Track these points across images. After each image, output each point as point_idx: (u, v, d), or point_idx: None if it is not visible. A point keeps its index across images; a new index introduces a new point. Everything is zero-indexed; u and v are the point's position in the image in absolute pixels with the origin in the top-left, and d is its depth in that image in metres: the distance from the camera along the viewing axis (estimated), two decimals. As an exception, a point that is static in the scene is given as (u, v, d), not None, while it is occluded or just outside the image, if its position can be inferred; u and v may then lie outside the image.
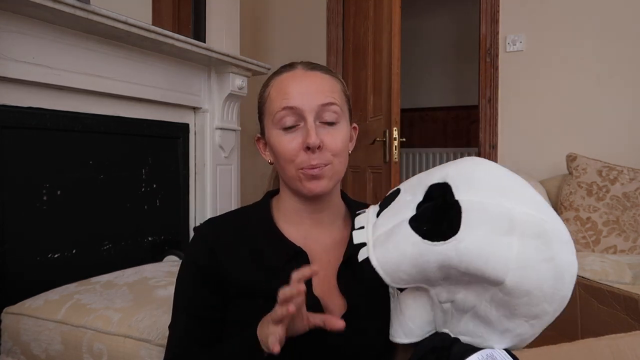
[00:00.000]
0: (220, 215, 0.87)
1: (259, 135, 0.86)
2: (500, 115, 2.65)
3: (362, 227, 0.69)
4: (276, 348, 0.61)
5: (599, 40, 2.48)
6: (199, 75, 2.11)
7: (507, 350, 0.63)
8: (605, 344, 0.63)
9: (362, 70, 2.58)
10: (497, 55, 2.64)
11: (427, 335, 0.68)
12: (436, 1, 4.29)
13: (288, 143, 0.76)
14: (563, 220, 0.63)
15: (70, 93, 1.57)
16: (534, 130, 2.60)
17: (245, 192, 2.59)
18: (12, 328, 1.24)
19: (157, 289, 1.30)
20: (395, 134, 2.09)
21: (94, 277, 1.43)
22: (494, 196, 0.60)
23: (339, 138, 0.77)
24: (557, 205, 2.25)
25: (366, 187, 2.46)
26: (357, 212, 0.75)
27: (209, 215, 2.10)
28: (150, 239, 1.91)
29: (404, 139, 2.18)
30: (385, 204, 0.70)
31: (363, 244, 0.67)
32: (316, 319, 0.67)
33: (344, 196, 0.88)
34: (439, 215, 0.60)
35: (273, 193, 0.88)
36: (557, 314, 0.62)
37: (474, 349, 0.63)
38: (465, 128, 4.28)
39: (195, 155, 2.14)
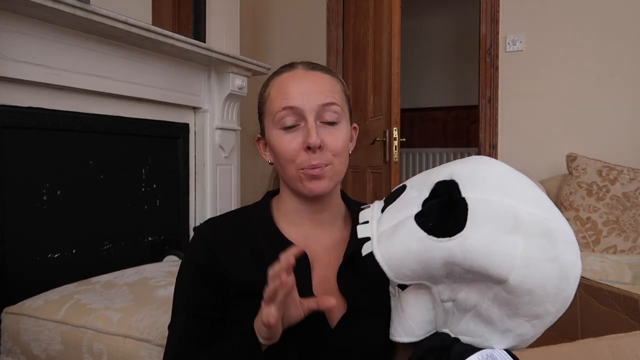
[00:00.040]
0: (220, 215, 0.87)
1: (259, 136, 0.86)
2: (500, 115, 2.65)
3: (367, 222, 0.69)
4: (272, 319, 0.60)
5: (599, 40, 2.48)
6: (199, 75, 2.11)
7: (508, 351, 0.63)
8: (605, 344, 0.63)
9: (362, 70, 2.58)
10: (497, 55, 2.64)
11: (427, 334, 0.68)
12: (436, 1, 4.29)
13: (288, 143, 0.76)
14: (565, 220, 0.63)
15: (70, 93, 1.57)
16: (534, 130, 2.60)
17: (245, 192, 2.59)
18: (12, 328, 1.24)
19: (157, 289, 1.30)
20: (395, 134, 2.09)
21: (94, 277, 1.43)
22: (500, 195, 0.60)
23: (339, 138, 0.77)
24: (557, 205, 2.24)
25: (366, 187, 2.46)
26: (362, 206, 0.75)
27: (209, 215, 2.10)
28: (150, 239, 1.91)
29: (404, 139, 2.18)
30: (390, 199, 0.70)
31: (367, 239, 0.67)
32: (310, 303, 0.67)
33: (344, 196, 0.88)
34: (445, 212, 0.61)
35: (273, 193, 0.88)
36: (560, 315, 0.62)
37: (474, 349, 0.63)
38: (465, 128, 4.28)
39: (195, 155, 2.14)
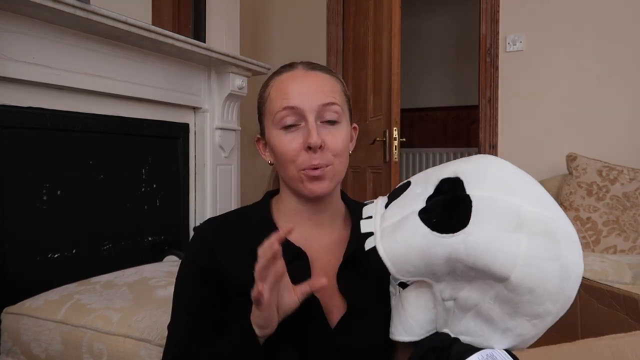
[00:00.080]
0: (220, 215, 0.87)
1: (258, 136, 0.86)
2: (500, 115, 2.65)
3: (370, 217, 0.69)
4: (262, 290, 0.60)
5: (599, 40, 2.48)
6: (199, 75, 2.11)
7: (508, 351, 0.63)
8: (605, 344, 0.63)
9: (362, 70, 2.58)
10: (497, 55, 2.64)
11: (427, 334, 0.68)
12: (436, 1, 4.29)
13: (289, 143, 0.76)
14: (567, 220, 0.63)
15: (70, 93, 1.57)
16: (534, 130, 2.60)
17: (245, 192, 2.59)
18: (12, 328, 1.24)
19: (157, 289, 1.30)
20: (395, 134, 2.09)
21: (94, 277, 1.43)
22: (505, 193, 0.60)
23: (340, 138, 0.77)
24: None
25: (366, 187, 2.46)
26: (365, 202, 0.75)
27: (209, 215, 2.10)
28: (150, 239, 1.91)
29: (404, 139, 2.18)
30: (394, 195, 0.70)
31: (370, 234, 0.67)
32: (302, 287, 0.67)
33: (343, 196, 0.88)
34: (449, 209, 0.61)
35: (273, 193, 0.88)
36: (561, 315, 0.62)
37: (474, 349, 0.63)
38: (465, 128, 4.28)
39: (195, 155, 2.14)
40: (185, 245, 1.99)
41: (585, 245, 2.08)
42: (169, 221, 2.00)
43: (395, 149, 2.09)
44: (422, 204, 0.63)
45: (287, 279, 0.67)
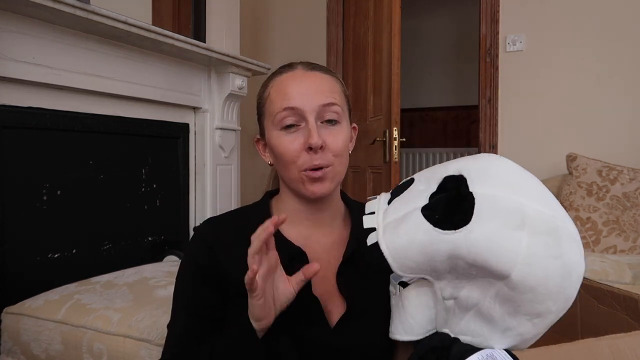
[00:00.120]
0: (219, 215, 0.87)
1: (258, 137, 0.85)
2: (500, 115, 2.65)
3: (373, 213, 0.69)
4: (254, 268, 0.61)
5: (599, 40, 2.48)
6: (199, 75, 2.11)
7: (508, 350, 0.63)
8: (605, 344, 0.63)
9: (362, 70, 2.58)
10: (497, 55, 2.64)
11: (427, 334, 0.68)
12: (436, 1, 4.29)
13: (289, 144, 0.76)
14: (569, 220, 0.63)
15: (70, 93, 1.57)
16: (534, 130, 2.60)
17: (245, 192, 2.59)
18: (12, 328, 1.24)
19: (157, 289, 1.31)
20: (395, 134, 2.09)
21: (94, 277, 1.43)
22: (508, 191, 0.60)
23: (340, 138, 0.77)
24: (557, 205, 2.25)
25: (366, 187, 2.46)
26: (369, 197, 0.75)
27: (209, 215, 2.10)
28: (150, 239, 1.91)
29: (404, 139, 2.18)
30: (397, 192, 0.70)
31: (373, 229, 0.67)
32: (297, 276, 0.68)
33: (343, 196, 0.88)
34: (452, 206, 0.61)
35: (272, 193, 0.88)
36: (561, 314, 0.62)
37: (474, 349, 0.62)
38: (465, 128, 4.28)
39: (195, 155, 2.14)
40: (185, 245, 1.99)
41: (585, 245, 2.08)
42: (169, 221, 2.00)
43: (395, 149, 2.10)
44: (425, 201, 0.64)
45: (281, 270, 0.68)
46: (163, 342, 0.80)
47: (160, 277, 1.42)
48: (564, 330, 0.75)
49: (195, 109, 2.14)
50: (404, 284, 0.71)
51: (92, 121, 1.66)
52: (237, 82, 2.16)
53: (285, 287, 0.68)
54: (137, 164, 1.86)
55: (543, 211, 0.60)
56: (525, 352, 0.64)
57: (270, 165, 0.85)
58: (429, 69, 4.40)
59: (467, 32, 4.00)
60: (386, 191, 0.74)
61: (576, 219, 2.15)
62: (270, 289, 0.67)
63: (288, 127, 0.76)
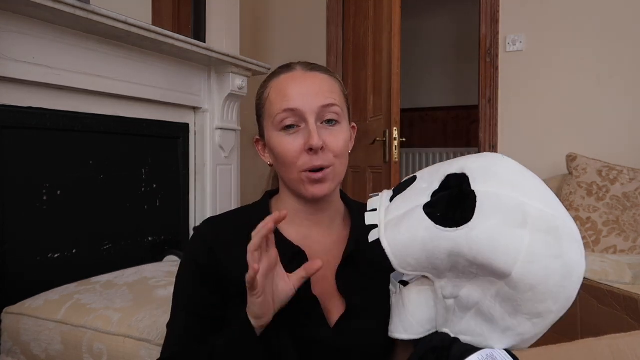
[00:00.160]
0: (219, 215, 0.87)
1: (257, 137, 0.85)
2: (500, 115, 2.65)
3: (375, 210, 0.69)
4: (255, 266, 0.62)
5: (599, 40, 2.48)
6: (199, 75, 2.11)
7: (507, 350, 0.63)
8: (605, 344, 0.63)
9: (362, 70, 2.58)
10: (497, 55, 2.64)
11: (426, 333, 0.68)
12: (436, 1, 4.29)
13: (289, 145, 0.76)
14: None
15: (70, 93, 1.57)
16: (534, 130, 2.60)
17: (245, 192, 2.59)
18: (12, 328, 1.24)
19: (157, 289, 1.31)
20: (395, 134, 2.09)
21: (94, 277, 1.43)
22: (510, 190, 0.60)
23: (340, 138, 0.77)
24: (557, 205, 2.24)
25: (366, 187, 2.46)
26: (371, 194, 0.75)
27: (209, 215, 2.10)
28: (150, 239, 1.91)
29: (404, 139, 2.18)
30: (399, 189, 0.70)
31: (374, 226, 0.67)
32: (297, 273, 0.68)
33: (343, 196, 0.88)
34: (453, 203, 0.61)
35: (272, 193, 0.88)
36: (561, 314, 0.62)
37: (473, 349, 0.63)
38: (465, 128, 4.28)
39: (195, 155, 2.14)
40: (185, 245, 1.99)
41: (585, 245, 2.07)
42: (169, 221, 2.00)
43: (395, 149, 2.10)
44: (428, 199, 0.64)
45: (280, 268, 0.68)
46: (163, 342, 0.80)
47: (160, 277, 1.42)
48: (564, 330, 0.75)
49: (195, 109, 2.14)
50: (404, 283, 0.71)
51: (92, 121, 1.66)
52: (237, 82, 2.16)
53: (285, 284, 0.68)
54: (137, 164, 1.86)
55: (545, 210, 0.60)
56: (525, 352, 0.64)
57: (270, 165, 0.85)
58: (429, 69, 4.40)
59: (467, 32, 4.00)
60: (386, 191, 0.74)
61: (576, 219, 2.15)
62: (270, 287, 0.67)
63: (288, 128, 0.76)
